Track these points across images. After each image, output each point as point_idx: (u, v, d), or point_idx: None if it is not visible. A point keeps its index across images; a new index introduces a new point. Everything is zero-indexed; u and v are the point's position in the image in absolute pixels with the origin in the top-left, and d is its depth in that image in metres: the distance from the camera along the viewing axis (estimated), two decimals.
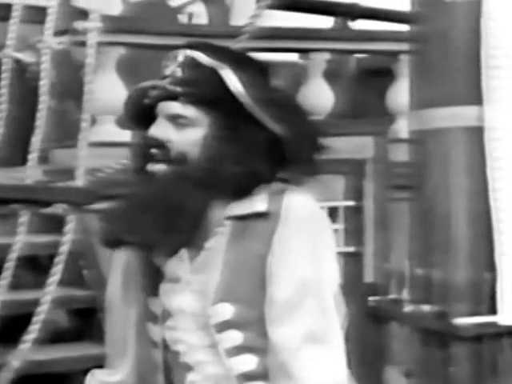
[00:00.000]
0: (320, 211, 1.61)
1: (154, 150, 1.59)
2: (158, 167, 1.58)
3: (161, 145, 1.58)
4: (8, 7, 3.28)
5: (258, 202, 1.57)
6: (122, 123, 1.74)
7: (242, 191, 1.59)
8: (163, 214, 1.55)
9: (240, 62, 1.62)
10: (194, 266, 1.60)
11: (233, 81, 1.56)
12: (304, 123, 1.62)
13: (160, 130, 1.59)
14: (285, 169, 1.62)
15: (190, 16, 5.55)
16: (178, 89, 1.58)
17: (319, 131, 1.64)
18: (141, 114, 1.67)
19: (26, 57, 3.66)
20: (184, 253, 1.60)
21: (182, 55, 1.60)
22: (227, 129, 1.58)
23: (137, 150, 1.65)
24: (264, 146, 1.59)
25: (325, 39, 4.48)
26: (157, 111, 1.62)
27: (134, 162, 1.65)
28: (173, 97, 1.59)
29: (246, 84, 1.57)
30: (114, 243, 1.61)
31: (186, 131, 1.58)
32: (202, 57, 1.60)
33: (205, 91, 1.58)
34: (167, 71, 1.60)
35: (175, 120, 1.59)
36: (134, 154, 1.66)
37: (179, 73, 1.59)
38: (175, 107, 1.59)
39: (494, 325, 2.35)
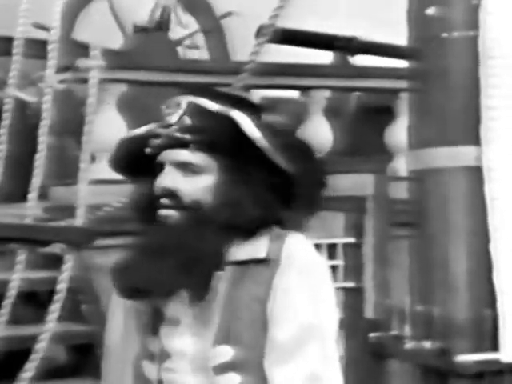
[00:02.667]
0: (318, 257, 1.64)
1: (164, 200, 1.58)
2: (170, 214, 1.57)
3: (171, 194, 1.58)
4: (8, 41, 3.29)
5: (259, 247, 1.59)
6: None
7: (252, 233, 1.60)
8: (183, 261, 1.54)
9: (241, 104, 1.63)
10: (194, 308, 1.60)
11: (248, 125, 1.57)
12: (314, 163, 1.64)
13: (169, 179, 1.58)
14: (289, 208, 1.64)
15: (190, 47, 5.59)
16: (188, 136, 1.58)
17: (326, 170, 1.65)
18: (132, 161, 1.68)
19: (27, 96, 3.68)
20: (184, 295, 1.60)
21: (184, 102, 1.60)
22: (238, 173, 1.59)
23: (142, 198, 1.64)
24: (273, 187, 1.61)
25: (325, 76, 4.51)
26: (160, 159, 1.60)
27: (139, 209, 1.64)
28: (181, 144, 1.58)
29: (259, 127, 1.58)
30: (133, 293, 1.59)
31: (196, 179, 1.58)
32: (207, 103, 1.60)
33: (217, 137, 1.58)
34: (171, 119, 1.59)
35: (184, 168, 1.58)
36: (139, 202, 1.65)
37: (187, 120, 1.58)
38: (184, 155, 1.58)
39: (495, 362, 2.34)
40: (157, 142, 1.60)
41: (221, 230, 1.56)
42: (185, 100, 1.60)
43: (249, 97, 1.72)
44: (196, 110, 1.59)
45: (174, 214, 1.57)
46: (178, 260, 1.54)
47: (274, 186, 1.61)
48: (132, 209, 1.67)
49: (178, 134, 1.58)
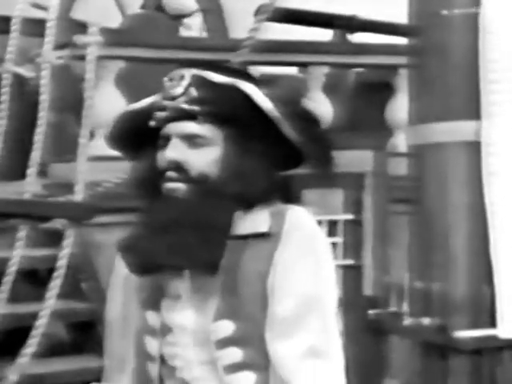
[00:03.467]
0: (319, 231, 1.64)
1: (170, 172, 1.57)
2: (177, 188, 1.57)
3: (178, 166, 1.57)
4: (7, 20, 3.29)
5: (260, 222, 1.59)
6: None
7: (253, 206, 1.60)
8: (195, 235, 1.54)
9: (243, 76, 1.63)
10: (195, 283, 1.60)
11: (259, 95, 1.56)
12: (321, 133, 1.63)
13: (176, 151, 1.57)
14: (292, 180, 1.64)
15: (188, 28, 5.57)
16: (196, 108, 1.57)
17: (331, 140, 1.65)
18: (131, 136, 1.67)
19: (25, 71, 3.67)
20: (186, 270, 1.60)
21: (188, 75, 1.59)
22: (245, 144, 1.58)
23: (144, 172, 1.63)
24: (278, 158, 1.61)
25: (324, 53, 4.49)
26: (166, 132, 1.59)
27: (142, 184, 1.63)
28: (187, 116, 1.58)
29: (267, 97, 1.57)
30: (145, 269, 1.58)
31: (203, 151, 1.58)
32: (212, 75, 1.59)
33: (225, 109, 1.57)
34: (175, 91, 1.58)
35: (191, 140, 1.58)
36: (141, 176, 1.64)
37: (194, 92, 1.57)
38: (192, 127, 1.58)
39: (493, 338, 2.35)
40: (162, 114, 1.59)
41: (228, 202, 1.56)
42: (188, 73, 1.59)
43: (248, 70, 1.72)
44: (201, 82, 1.58)
45: (181, 187, 1.57)
46: (189, 234, 1.54)
47: (279, 158, 1.61)
48: (134, 184, 1.66)
49: (185, 106, 1.57)
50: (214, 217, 1.55)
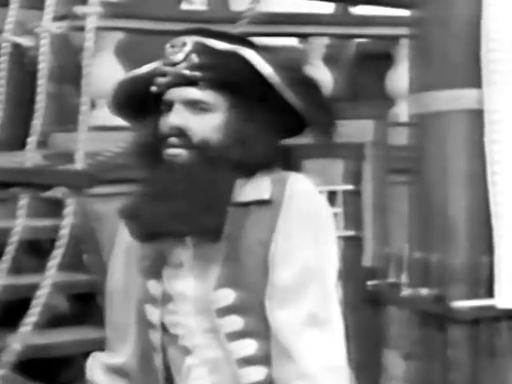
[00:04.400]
0: (321, 199, 1.64)
1: (172, 138, 1.57)
2: (179, 154, 1.57)
3: (180, 132, 1.57)
4: None
5: (262, 189, 1.59)
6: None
7: (254, 173, 1.60)
8: (198, 202, 1.54)
9: (243, 43, 1.63)
10: (197, 251, 1.61)
11: (260, 62, 1.56)
12: (322, 99, 1.63)
13: (178, 117, 1.57)
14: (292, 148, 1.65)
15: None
16: (198, 74, 1.57)
17: (333, 106, 1.65)
18: (132, 102, 1.67)
19: (24, 41, 3.66)
20: (188, 238, 1.61)
21: (190, 41, 1.59)
22: (247, 110, 1.59)
23: (146, 139, 1.63)
24: (279, 125, 1.61)
25: (324, 24, 4.47)
26: (168, 98, 1.60)
27: (143, 151, 1.63)
28: (189, 83, 1.58)
29: (268, 63, 1.57)
30: (149, 237, 1.59)
31: (205, 117, 1.58)
32: (213, 42, 1.59)
33: (227, 75, 1.57)
34: (177, 57, 1.59)
35: (193, 106, 1.58)
36: (143, 143, 1.63)
37: (195, 58, 1.58)
38: (194, 93, 1.58)
39: (491, 308, 2.36)
40: (164, 80, 1.59)
41: (230, 168, 1.56)
42: (190, 39, 1.60)
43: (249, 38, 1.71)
44: (203, 49, 1.58)
45: (183, 153, 1.57)
46: (192, 201, 1.54)
47: (281, 125, 1.61)
48: (135, 150, 1.66)
49: (186, 72, 1.58)
50: (215, 183, 1.55)
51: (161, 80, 1.60)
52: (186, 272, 1.62)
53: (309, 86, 1.62)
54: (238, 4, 4.85)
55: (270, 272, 1.57)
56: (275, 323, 1.56)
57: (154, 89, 1.61)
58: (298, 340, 1.54)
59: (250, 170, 1.60)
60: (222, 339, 1.59)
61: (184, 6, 5.47)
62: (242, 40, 1.66)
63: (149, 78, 1.63)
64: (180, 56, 1.59)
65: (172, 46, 1.61)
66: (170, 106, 1.60)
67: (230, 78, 1.58)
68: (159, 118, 1.62)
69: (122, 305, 1.71)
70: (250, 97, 1.59)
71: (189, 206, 1.54)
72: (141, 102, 1.66)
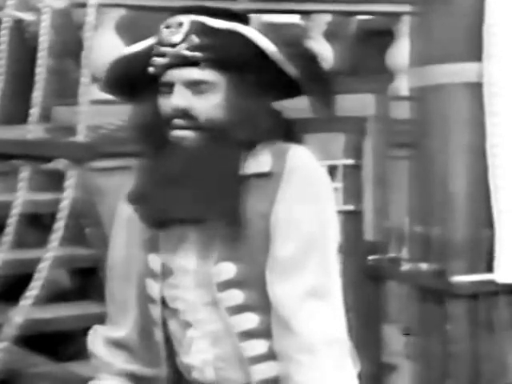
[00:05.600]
0: (322, 170, 1.64)
1: (177, 120, 1.56)
2: (185, 135, 1.56)
3: (185, 114, 1.56)
4: None
5: (262, 162, 1.59)
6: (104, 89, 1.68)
7: (255, 146, 1.60)
8: (211, 183, 1.53)
9: (238, 19, 1.62)
10: (198, 224, 1.60)
11: (262, 39, 1.56)
12: (322, 71, 1.64)
13: (182, 98, 1.56)
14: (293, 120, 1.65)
15: None
16: (199, 54, 1.56)
17: (333, 79, 1.65)
18: (127, 82, 1.65)
19: (26, 16, 3.65)
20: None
21: (187, 21, 1.58)
22: (248, 87, 1.58)
23: (147, 120, 1.61)
24: (280, 94, 1.62)
25: (326, 1, 4.45)
26: (168, 79, 1.58)
27: (146, 132, 1.61)
28: (189, 63, 1.56)
29: (270, 40, 1.57)
30: (165, 222, 1.58)
31: (207, 96, 1.57)
32: (210, 21, 1.58)
33: (228, 54, 1.57)
34: (174, 38, 1.57)
35: (195, 86, 1.57)
36: (145, 124, 1.61)
37: (195, 38, 1.56)
38: (196, 73, 1.57)
39: (490, 283, 2.37)
40: (162, 60, 1.57)
41: (237, 146, 1.56)
42: (186, 19, 1.58)
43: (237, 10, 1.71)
44: (201, 29, 1.57)
45: (189, 135, 1.56)
46: (207, 184, 1.53)
47: (280, 95, 1.61)
48: (137, 131, 1.64)
49: (186, 53, 1.56)
50: (227, 164, 1.55)
51: (159, 61, 1.58)
52: (187, 245, 1.62)
53: (308, 60, 1.61)
54: None
55: (271, 244, 1.57)
56: (275, 296, 1.56)
57: (151, 70, 1.60)
58: (298, 312, 1.54)
59: (252, 143, 1.60)
60: (222, 313, 1.60)
61: None
62: (236, 15, 1.65)
63: (143, 58, 1.61)
64: (179, 37, 1.57)
65: (168, 27, 1.59)
66: (169, 86, 1.59)
67: (231, 57, 1.57)
68: (156, 98, 1.61)
69: (123, 278, 1.72)
70: (249, 72, 1.58)
71: (204, 190, 1.53)
72: (134, 80, 1.64)
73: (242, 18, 1.64)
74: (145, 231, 1.66)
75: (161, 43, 1.59)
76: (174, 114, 1.57)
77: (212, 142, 1.55)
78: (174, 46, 1.57)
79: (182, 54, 1.57)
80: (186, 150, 1.56)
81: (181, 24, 1.58)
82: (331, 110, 1.62)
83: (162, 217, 1.57)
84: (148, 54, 1.61)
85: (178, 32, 1.57)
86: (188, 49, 1.57)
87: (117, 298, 1.74)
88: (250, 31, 1.57)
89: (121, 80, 1.66)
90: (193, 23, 1.57)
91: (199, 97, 1.57)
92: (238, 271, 1.58)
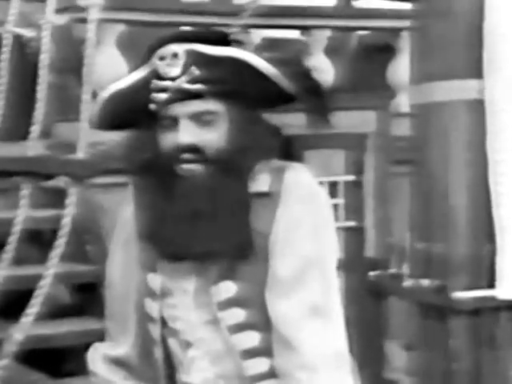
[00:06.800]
0: (320, 188, 1.63)
1: (186, 155, 1.53)
2: (194, 169, 1.54)
3: (194, 149, 1.54)
4: None
5: (261, 181, 1.58)
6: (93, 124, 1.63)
7: (261, 161, 1.60)
8: (226, 217, 1.53)
9: (226, 40, 1.61)
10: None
11: (262, 63, 1.54)
12: (321, 90, 1.62)
13: (188, 134, 1.54)
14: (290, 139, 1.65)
15: None
16: (202, 87, 1.53)
17: (332, 97, 1.65)
18: (119, 116, 1.61)
19: (26, 32, 3.66)
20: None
21: (182, 51, 1.54)
22: (247, 109, 1.57)
23: (149, 154, 1.58)
24: (276, 107, 1.61)
25: (326, 17, 4.47)
26: (170, 114, 1.55)
27: (150, 166, 1.58)
28: (191, 96, 1.53)
29: (268, 62, 1.55)
30: (182, 256, 1.57)
31: (213, 127, 1.55)
32: (206, 48, 1.54)
33: (230, 83, 1.54)
34: (173, 71, 1.53)
35: (199, 118, 1.54)
36: (147, 158, 1.58)
37: (196, 71, 1.53)
38: (199, 106, 1.54)
39: (492, 299, 2.37)
40: (164, 96, 1.54)
41: (243, 172, 1.56)
42: (180, 49, 1.54)
43: (219, 29, 1.69)
44: (199, 58, 1.53)
45: (197, 168, 1.54)
46: (221, 219, 1.52)
47: (276, 107, 1.61)
48: (137, 166, 1.61)
49: (189, 87, 1.53)
50: (237, 194, 1.54)
51: (161, 97, 1.54)
52: (186, 265, 1.61)
53: (307, 78, 1.61)
54: None
55: (270, 263, 1.57)
56: (276, 314, 1.56)
57: (152, 106, 1.56)
58: (299, 330, 1.54)
59: (253, 165, 1.60)
60: (223, 332, 1.59)
61: None
62: (226, 36, 1.62)
63: (136, 91, 1.58)
64: (177, 69, 1.53)
65: (162, 58, 1.55)
66: (171, 120, 1.56)
67: (233, 86, 1.55)
68: (155, 131, 1.58)
69: (122, 297, 1.71)
70: (249, 96, 1.57)
71: (221, 223, 1.52)
72: (129, 115, 1.61)
73: (228, 37, 1.62)
74: (143, 251, 1.66)
75: (159, 77, 1.55)
76: (182, 149, 1.54)
77: (220, 173, 1.54)
78: (173, 79, 1.54)
79: (183, 88, 1.53)
80: (197, 184, 1.54)
81: (176, 55, 1.54)
82: (328, 126, 1.62)
83: (180, 252, 1.56)
84: (142, 86, 1.57)
85: (175, 64, 1.54)
86: (189, 82, 1.53)
87: (116, 316, 1.73)
88: (246, 55, 1.54)
89: (114, 115, 1.63)
90: (188, 53, 1.54)
91: (204, 129, 1.55)
92: (238, 290, 1.57)
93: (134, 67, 1.63)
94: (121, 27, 3.96)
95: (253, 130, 1.57)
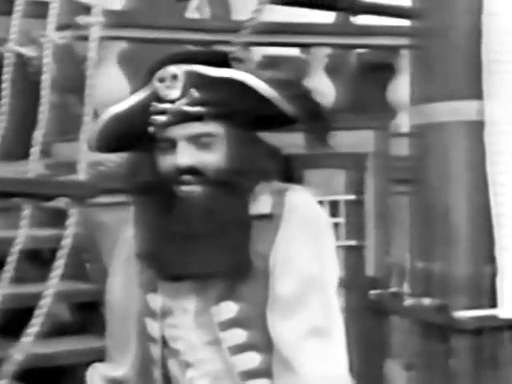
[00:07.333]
0: (320, 210, 1.64)
1: (186, 176, 1.54)
2: (194, 190, 1.54)
3: (193, 170, 1.54)
4: (10, 1, 3.28)
5: (262, 203, 1.59)
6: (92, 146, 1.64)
7: (262, 182, 1.60)
8: (226, 238, 1.53)
9: (225, 60, 1.61)
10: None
11: (262, 86, 1.54)
12: (321, 111, 1.63)
13: (187, 156, 1.54)
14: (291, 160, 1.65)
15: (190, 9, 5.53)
16: (202, 109, 1.53)
17: (332, 118, 1.65)
18: (118, 139, 1.62)
19: (28, 51, 3.67)
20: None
21: (180, 73, 1.54)
22: (246, 130, 1.58)
23: (148, 175, 1.59)
24: (276, 127, 1.63)
25: (326, 34, 4.48)
26: (169, 136, 1.55)
27: (149, 188, 1.59)
28: (191, 118, 1.53)
29: (268, 83, 1.55)
30: (180, 277, 1.57)
31: (212, 149, 1.55)
32: (205, 69, 1.54)
33: (229, 105, 1.55)
34: (172, 93, 1.53)
35: (198, 140, 1.55)
36: (146, 180, 1.59)
37: (195, 93, 1.53)
38: (198, 128, 1.54)
39: (493, 318, 2.36)
40: (164, 119, 1.54)
41: (243, 193, 1.56)
42: (179, 70, 1.54)
43: (219, 49, 1.70)
44: (198, 80, 1.53)
45: (197, 189, 1.55)
46: (221, 240, 1.53)
47: (276, 128, 1.62)
48: (137, 187, 1.62)
49: (189, 109, 1.53)
50: (238, 215, 1.55)
51: (160, 119, 1.55)
52: (186, 285, 1.61)
53: (306, 99, 1.61)
54: (240, 13, 4.87)
55: (271, 284, 1.56)
56: (276, 335, 1.56)
57: (152, 129, 1.56)
58: (299, 351, 1.54)
59: (253, 187, 1.59)
60: (224, 352, 1.59)
61: (189, 15, 5.48)
62: (225, 56, 1.63)
63: (136, 113, 1.58)
64: (177, 91, 1.53)
65: (161, 80, 1.55)
66: (169, 142, 1.56)
67: (232, 108, 1.55)
68: (153, 152, 1.58)
69: (122, 317, 1.71)
70: (248, 118, 1.58)
71: (217, 245, 1.53)
72: (127, 137, 1.62)
73: (226, 56, 1.62)
74: (143, 271, 1.66)
75: (158, 99, 1.55)
76: (181, 171, 1.55)
77: (220, 194, 1.54)
78: (173, 101, 1.53)
79: (183, 110, 1.53)
80: (197, 205, 1.54)
81: (175, 76, 1.53)
82: (328, 147, 1.62)
83: (179, 273, 1.56)
84: (141, 108, 1.57)
85: (174, 86, 1.53)
86: (189, 104, 1.53)
87: (116, 337, 1.73)
88: (246, 77, 1.55)
89: (113, 138, 1.63)
90: (188, 74, 1.54)
91: (203, 151, 1.55)
92: (239, 310, 1.57)
93: (135, 89, 1.64)
94: (122, 45, 3.97)
95: (252, 152, 1.57)
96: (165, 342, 1.66)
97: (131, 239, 1.68)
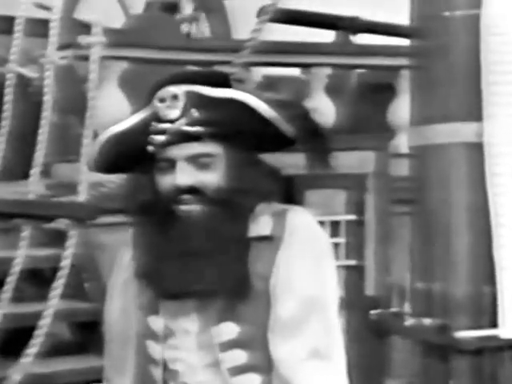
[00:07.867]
0: (321, 231, 1.64)
1: (185, 196, 1.54)
2: (193, 209, 1.55)
3: (192, 190, 1.55)
4: (10, 20, 3.29)
5: (262, 225, 1.59)
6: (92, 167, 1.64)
7: (262, 204, 1.61)
8: (225, 256, 1.54)
9: (225, 81, 1.62)
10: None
11: (262, 106, 1.54)
12: (320, 132, 1.63)
13: (186, 176, 1.54)
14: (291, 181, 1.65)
15: (189, 31, 5.57)
16: (201, 129, 1.53)
17: (332, 139, 1.66)
18: (117, 159, 1.63)
19: (29, 72, 3.68)
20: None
21: (181, 93, 1.54)
22: (245, 151, 1.59)
23: (147, 195, 1.60)
24: (276, 149, 1.63)
25: (326, 54, 4.50)
26: (168, 156, 1.55)
27: (148, 207, 1.59)
28: (190, 138, 1.54)
29: (268, 103, 1.56)
30: (179, 295, 1.58)
31: (211, 168, 1.56)
32: (205, 90, 1.55)
33: (229, 126, 1.55)
34: (172, 113, 1.53)
35: (197, 160, 1.55)
36: (145, 200, 1.60)
37: (195, 113, 1.53)
38: (197, 148, 1.55)
39: (494, 338, 2.35)
40: (163, 138, 1.54)
41: (243, 213, 1.57)
42: (180, 90, 1.54)
43: (220, 69, 1.71)
44: (198, 100, 1.54)
45: (196, 209, 1.55)
46: (220, 258, 1.53)
47: (276, 150, 1.62)
48: (136, 207, 1.62)
49: (188, 129, 1.53)
50: (237, 234, 1.55)
51: (159, 139, 1.55)
52: (188, 307, 1.61)
53: (306, 120, 1.62)
54: (240, 33, 4.89)
55: (272, 305, 1.56)
56: (277, 356, 1.56)
57: (151, 149, 1.56)
58: (300, 373, 1.54)
59: (252, 207, 1.60)
60: (223, 374, 1.58)
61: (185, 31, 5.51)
62: (225, 76, 1.63)
63: (135, 133, 1.59)
64: (177, 111, 1.53)
65: (162, 100, 1.55)
66: (168, 162, 1.57)
67: (232, 128, 1.55)
68: (152, 172, 1.59)
69: (120, 339, 1.71)
70: (247, 138, 1.59)
71: (216, 264, 1.53)
72: (126, 157, 1.62)
73: (227, 77, 1.63)
74: (142, 293, 1.65)
75: (158, 119, 1.55)
76: (180, 191, 1.55)
77: (219, 213, 1.55)
78: (172, 121, 1.54)
79: (182, 130, 1.53)
80: (196, 224, 1.54)
81: (175, 96, 1.53)
82: (328, 167, 1.62)
83: (178, 290, 1.56)
84: (141, 128, 1.58)
85: (174, 106, 1.53)
86: (188, 124, 1.54)
87: (114, 359, 1.73)
88: (246, 97, 1.55)
89: (112, 158, 1.63)
90: (188, 95, 1.54)
91: (203, 171, 1.55)
92: (240, 331, 1.57)
93: (136, 110, 1.65)
94: (123, 65, 3.98)
95: (251, 172, 1.58)
96: (165, 364, 1.65)
97: (129, 262, 1.68)
